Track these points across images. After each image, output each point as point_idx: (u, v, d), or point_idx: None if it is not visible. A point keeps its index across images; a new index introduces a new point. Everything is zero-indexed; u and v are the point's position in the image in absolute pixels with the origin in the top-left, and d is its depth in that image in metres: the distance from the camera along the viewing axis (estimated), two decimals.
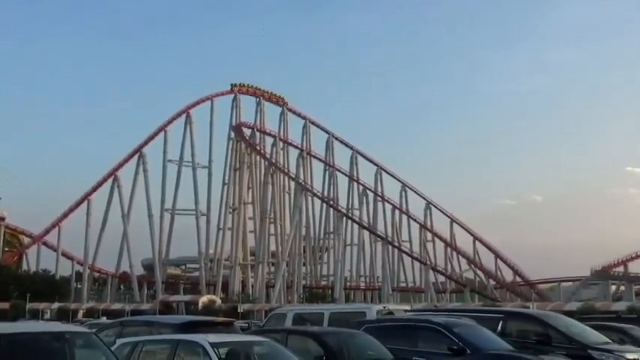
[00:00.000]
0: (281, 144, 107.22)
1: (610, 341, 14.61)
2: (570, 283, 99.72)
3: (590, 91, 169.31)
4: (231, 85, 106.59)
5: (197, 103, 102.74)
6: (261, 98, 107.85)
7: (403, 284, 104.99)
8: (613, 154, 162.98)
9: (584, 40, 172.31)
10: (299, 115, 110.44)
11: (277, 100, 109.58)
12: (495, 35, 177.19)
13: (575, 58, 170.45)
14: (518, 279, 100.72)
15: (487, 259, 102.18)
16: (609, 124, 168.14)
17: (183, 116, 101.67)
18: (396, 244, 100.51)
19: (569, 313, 28.03)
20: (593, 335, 14.46)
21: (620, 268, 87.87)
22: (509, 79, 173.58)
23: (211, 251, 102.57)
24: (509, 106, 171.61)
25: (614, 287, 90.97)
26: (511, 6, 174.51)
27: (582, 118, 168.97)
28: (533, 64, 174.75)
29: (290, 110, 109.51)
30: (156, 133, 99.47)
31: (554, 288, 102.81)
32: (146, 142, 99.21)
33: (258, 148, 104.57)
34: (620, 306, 61.47)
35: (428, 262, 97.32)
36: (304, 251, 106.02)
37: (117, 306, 79.98)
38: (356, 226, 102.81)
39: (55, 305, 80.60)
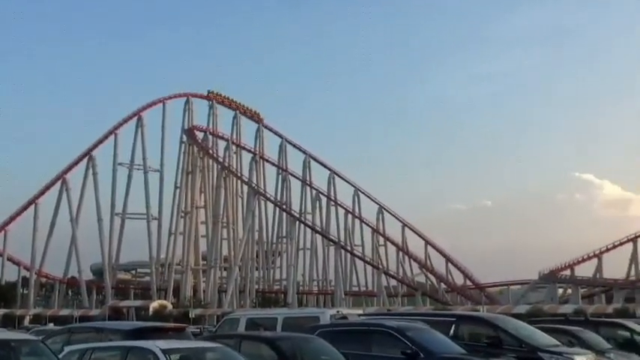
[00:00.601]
0: (234, 148, 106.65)
1: (559, 343, 14.85)
2: (519, 287, 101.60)
3: (538, 98, 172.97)
4: (208, 91, 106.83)
5: (149, 105, 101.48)
6: (214, 102, 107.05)
7: (355, 288, 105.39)
8: (560, 160, 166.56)
9: (531, 47, 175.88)
10: (251, 118, 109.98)
11: (230, 104, 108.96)
12: (445, 42, 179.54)
13: (523, 65, 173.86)
14: (468, 282, 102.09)
15: (438, 263, 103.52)
16: (557, 130, 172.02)
17: (135, 119, 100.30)
18: (349, 248, 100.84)
19: (518, 316, 28.51)
20: (542, 338, 14.68)
21: (567, 272, 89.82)
22: (460, 85, 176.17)
23: (162, 256, 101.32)
24: (461, 112, 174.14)
25: (561, 290, 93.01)
26: (456, 14, 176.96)
27: (531, 124, 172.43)
28: (482, 70, 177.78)
29: (243, 114, 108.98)
30: (106, 136, 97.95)
31: (503, 291, 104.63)
32: (96, 145, 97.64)
33: (210, 151, 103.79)
34: (567, 309, 62.84)
35: (380, 266, 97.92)
36: (257, 256, 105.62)
37: (65, 312, 78.30)
38: (309, 231, 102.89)
39: (1, 311, 78.54)
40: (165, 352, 9.24)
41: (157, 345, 9.50)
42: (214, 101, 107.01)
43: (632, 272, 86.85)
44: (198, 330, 32.68)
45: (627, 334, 19.75)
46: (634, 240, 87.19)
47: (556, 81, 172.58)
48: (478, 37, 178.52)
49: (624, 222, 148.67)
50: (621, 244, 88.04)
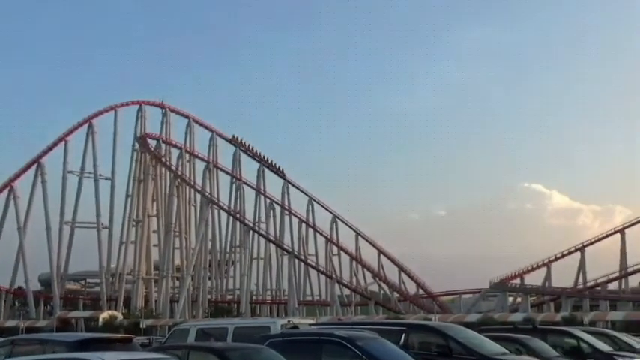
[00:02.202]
0: (187, 156, 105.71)
1: (507, 352, 15.04)
2: (470, 295, 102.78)
3: (489, 110, 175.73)
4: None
5: (100, 112, 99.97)
6: (167, 109, 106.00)
7: (309, 297, 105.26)
8: (511, 171, 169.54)
9: (485, 60, 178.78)
10: (206, 127, 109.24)
11: (183, 112, 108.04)
12: (395, 55, 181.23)
13: (474, 77, 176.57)
14: (421, 291, 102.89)
15: (391, 272, 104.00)
16: (508, 141, 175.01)
17: (85, 126, 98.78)
18: (303, 257, 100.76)
19: (470, 325, 28.82)
20: (491, 346, 14.84)
21: (517, 280, 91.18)
22: (412, 96, 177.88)
23: (113, 265, 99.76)
24: (414, 123, 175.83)
25: (511, 299, 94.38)
26: (401, 26, 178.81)
27: (483, 135, 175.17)
28: (435, 82, 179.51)
29: (196, 122, 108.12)
30: (55, 144, 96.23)
31: (455, 300, 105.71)
32: (45, 153, 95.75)
33: (163, 159, 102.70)
34: (517, 317, 63.71)
35: (334, 276, 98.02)
36: (210, 265, 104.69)
37: (11, 323, 76.21)
38: (262, 240, 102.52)
39: None
40: None
41: (100, 357, 9.27)
42: (167, 109, 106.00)
43: (580, 281, 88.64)
44: (148, 341, 32.18)
45: (574, 341, 20.13)
46: (581, 249, 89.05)
47: (505, 93, 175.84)
48: (427, 50, 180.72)
49: (572, 231, 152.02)
50: (569, 253, 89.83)
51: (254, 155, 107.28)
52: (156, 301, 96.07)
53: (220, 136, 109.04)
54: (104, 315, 77.30)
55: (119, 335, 16.71)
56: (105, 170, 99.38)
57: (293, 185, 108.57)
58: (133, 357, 10.14)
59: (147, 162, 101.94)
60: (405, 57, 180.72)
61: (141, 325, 64.18)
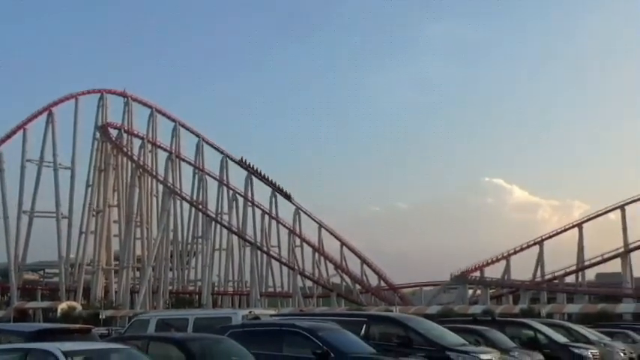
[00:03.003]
0: (149, 146, 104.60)
1: (467, 343, 15.24)
2: (431, 288, 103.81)
3: (453, 106, 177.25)
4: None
5: (61, 100, 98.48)
6: (129, 99, 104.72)
7: (271, 289, 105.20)
8: (473, 165, 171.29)
9: (445, 56, 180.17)
10: (169, 117, 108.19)
11: (146, 102, 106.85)
12: (358, 49, 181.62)
13: (436, 73, 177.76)
14: (382, 284, 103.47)
15: (354, 265, 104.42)
16: (470, 136, 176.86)
17: (45, 114, 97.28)
18: (265, 249, 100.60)
19: (430, 316, 29.11)
20: (451, 337, 15.03)
21: (477, 273, 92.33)
22: (374, 90, 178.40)
23: (72, 255, 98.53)
24: (376, 117, 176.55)
25: (471, 291, 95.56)
26: (376, 21, 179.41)
27: (445, 129, 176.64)
28: (398, 76, 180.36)
29: (159, 112, 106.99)
30: (14, 132, 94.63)
31: (416, 292, 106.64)
32: (3, 141, 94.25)
33: (125, 149, 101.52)
34: (477, 309, 64.58)
35: (296, 267, 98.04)
36: (171, 256, 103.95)
37: None
38: (225, 231, 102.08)
39: None
40: (66, 354, 8.91)
41: (57, 347, 9.13)
42: (130, 98, 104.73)
43: (538, 274, 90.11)
44: (107, 331, 31.83)
45: (531, 333, 20.54)
46: (540, 243, 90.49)
47: (468, 89, 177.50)
48: (389, 45, 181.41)
49: (532, 225, 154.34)
50: (528, 246, 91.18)
51: (262, 178, 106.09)
52: (116, 292, 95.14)
53: (183, 126, 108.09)
54: (63, 306, 76.35)
55: (77, 326, 16.46)
56: (65, 159, 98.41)
57: (256, 177, 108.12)
58: (91, 347, 10.02)
59: (108, 151, 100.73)
60: (372, 52, 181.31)
61: (100, 316, 63.39)
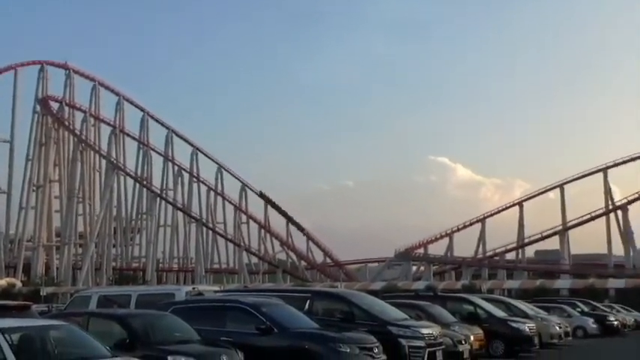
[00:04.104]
0: (92, 120, 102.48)
1: (408, 317, 15.55)
2: (376, 264, 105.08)
3: (399, 84, 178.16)
4: None
5: None
6: (71, 71, 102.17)
7: (217, 266, 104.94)
8: (418, 144, 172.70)
9: (397, 34, 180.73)
10: (112, 90, 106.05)
11: (88, 74, 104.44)
12: (309, 23, 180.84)
13: (384, 51, 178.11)
14: (328, 260, 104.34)
15: (299, 242, 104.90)
16: (415, 115, 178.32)
17: None
18: (211, 225, 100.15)
19: (374, 292, 29.53)
20: (393, 312, 15.31)
21: (421, 250, 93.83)
22: (322, 67, 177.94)
23: (12, 231, 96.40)
24: (323, 93, 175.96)
25: (415, 267, 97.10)
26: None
27: (391, 108, 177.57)
28: (344, 54, 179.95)
29: (102, 85, 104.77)
30: None
31: (361, 269, 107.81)
32: None
33: (66, 123, 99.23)
34: (420, 285, 65.66)
35: (242, 244, 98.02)
36: (115, 232, 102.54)
37: None
38: (170, 207, 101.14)
39: None
40: (2, 330, 8.70)
41: None
42: (71, 71, 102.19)
43: (480, 251, 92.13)
44: (47, 308, 31.30)
45: (471, 307, 21.10)
46: (482, 220, 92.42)
47: (414, 67, 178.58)
48: (340, 22, 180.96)
49: (474, 203, 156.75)
50: (471, 224, 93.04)
51: (280, 211, 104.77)
52: (57, 268, 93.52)
53: (128, 100, 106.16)
54: (2, 282, 74.80)
55: (15, 302, 16.13)
56: (3, 132, 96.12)
57: (202, 152, 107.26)
58: (29, 324, 9.84)
59: (49, 125, 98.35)
60: (318, 29, 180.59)
61: (41, 293, 62.33)
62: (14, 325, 9.32)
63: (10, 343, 8.57)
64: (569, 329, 25.55)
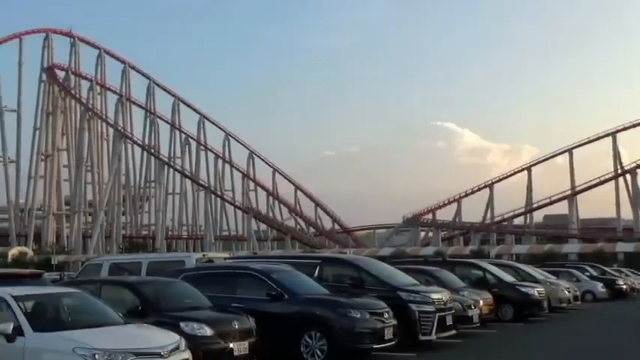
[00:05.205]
0: (98, 88, 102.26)
1: (417, 283, 15.58)
2: (384, 230, 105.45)
3: (404, 48, 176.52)
4: None
5: (3, 40, 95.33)
6: (76, 39, 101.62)
7: (226, 233, 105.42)
8: (424, 109, 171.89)
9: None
10: (118, 58, 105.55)
11: (93, 42, 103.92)
12: None
13: (383, 16, 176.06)
14: (336, 227, 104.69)
15: (308, 208, 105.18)
16: (422, 79, 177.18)
17: None
18: (219, 193, 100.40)
19: (383, 258, 29.63)
20: (402, 278, 15.33)
21: (429, 216, 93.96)
22: (327, 33, 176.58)
23: (22, 200, 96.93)
24: (329, 61, 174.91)
25: (423, 233, 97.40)
26: None
27: (397, 73, 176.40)
28: (349, 19, 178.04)
29: (108, 53, 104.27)
30: None
31: (369, 235, 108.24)
32: None
33: (73, 92, 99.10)
34: (428, 251, 66.06)
35: (250, 211, 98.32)
36: (124, 200, 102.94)
37: None
38: (178, 175, 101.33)
39: None
40: (17, 298, 8.78)
41: (7, 292, 9.00)
42: (76, 39, 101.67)
43: (488, 216, 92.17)
44: (59, 276, 31.60)
45: (480, 273, 21.15)
46: (490, 186, 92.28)
47: (420, 31, 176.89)
48: None
49: (482, 169, 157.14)
50: (479, 189, 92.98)
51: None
52: (67, 237, 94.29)
53: (133, 68, 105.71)
54: (13, 251, 75.57)
55: (28, 270, 16.28)
56: (10, 102, 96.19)
57: (209, 120, 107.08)
58: (42, 292, 9.91)
59: (55, 94, 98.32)
60: None
61: (52, 262, 63.02)
62: (28, 292, 9.40)
63: (24, 310, 8.66)
64: (578, 293, 25.60)
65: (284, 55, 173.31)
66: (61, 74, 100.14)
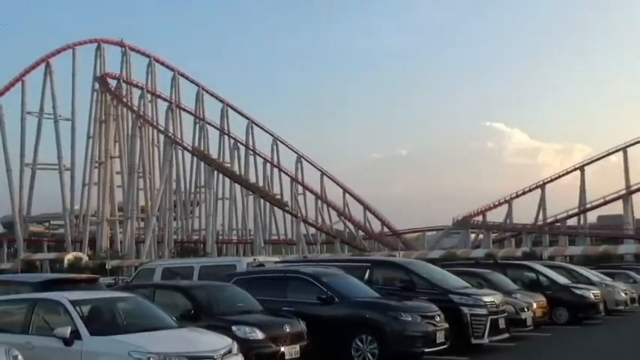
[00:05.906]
0: (149, 96, 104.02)
1: (469, 285, 15.39)
2: (434, 233, 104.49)
3: (452, 50, 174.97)
4: None
5: (57, 51, 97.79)
6: (127, 48, 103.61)
7: (275, 237, 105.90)
8: (473, 110, 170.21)
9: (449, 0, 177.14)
10: (167, 66, 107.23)
11: (143, 51, 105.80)
12: None
13: (430, 18, 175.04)
14: (385, 229, 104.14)
15: (356, 211, 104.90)
16: (469, 80, 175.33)
17: (43, 65, 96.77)
18: (268, 196, 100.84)
19: (433, 261, 29.42)
20: (453, 280, 15.16)
21: (479, 218, 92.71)
22: (377, 36, 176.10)
23: (77, 207, 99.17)
24: (378, 63, 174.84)
25: (473, 235, 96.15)
26: None
27: (445, 75, 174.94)
28: (392, 22, 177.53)
29: (158, 61, 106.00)
30: (12, 84, 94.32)
31: (419, 237, 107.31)
32: (2, 93, 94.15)
33: (124, 100, 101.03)
34: (479, 253, 65.23)
35: (299, 215, 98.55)
36: (175, 206, 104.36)
37: None
38: (227, 180, 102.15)
39: None
40: (74, 303, 9.00)
41: (65, 296, 9.24)
42: (127, 48, 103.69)
43: (540, 217, 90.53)
44: (113, 281, 32.22)
45: (533, 275, 20.75)
46: (542, 186, 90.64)
47: (468, 33, 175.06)
48: None
49: (533, 169, 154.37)
50: (530, 190, 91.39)
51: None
52: (121, 242, 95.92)
53: (183, 75, 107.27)
54: (69, 257, 77.17)
55: (84, 275, 16.64)
56: (64, 111, 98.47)
57: (257, 125, 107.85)
58: (98, 296, 10.13)
59: (107, 102, 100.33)
60: None
61: (107, 267, 64.18)
62: (84, 297, 9.62)
63: (81, 314, 8.86)
64: (635, 295, 24.94)
65: (331, 58, 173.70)
66: (112, 83, 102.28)
